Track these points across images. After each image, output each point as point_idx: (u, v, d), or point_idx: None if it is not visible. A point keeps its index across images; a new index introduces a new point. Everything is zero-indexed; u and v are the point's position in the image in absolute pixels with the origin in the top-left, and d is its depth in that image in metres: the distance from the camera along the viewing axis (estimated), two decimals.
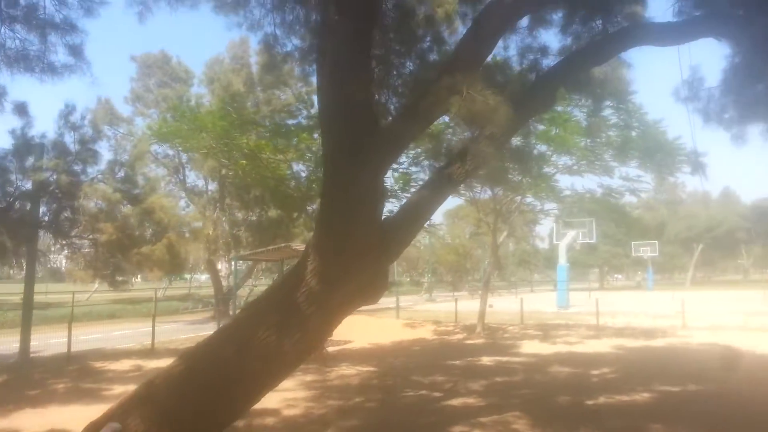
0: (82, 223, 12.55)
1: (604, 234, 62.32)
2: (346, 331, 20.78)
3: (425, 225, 20.55)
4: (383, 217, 6.31)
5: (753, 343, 15.29)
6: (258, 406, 5.84)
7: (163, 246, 16.59)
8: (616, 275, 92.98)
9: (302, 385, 11.24)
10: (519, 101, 6.70)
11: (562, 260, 32.36)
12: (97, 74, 8.40)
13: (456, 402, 9.41)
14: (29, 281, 14.71)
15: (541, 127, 16.94)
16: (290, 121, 20.54)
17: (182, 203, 29.56)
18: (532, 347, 16.41)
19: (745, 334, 17.47)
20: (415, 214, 6.26)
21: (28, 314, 14.96)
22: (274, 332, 5.23)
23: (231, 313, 21.86)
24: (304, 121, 18.55)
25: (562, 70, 5.61)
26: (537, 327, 21.20)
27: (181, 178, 28.47)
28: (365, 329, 21.33)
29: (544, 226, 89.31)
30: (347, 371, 13.11)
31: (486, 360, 14.13)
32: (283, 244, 15.32)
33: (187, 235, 22.65)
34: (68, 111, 12.61)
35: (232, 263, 18.21)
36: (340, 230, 5.55)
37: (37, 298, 16.42)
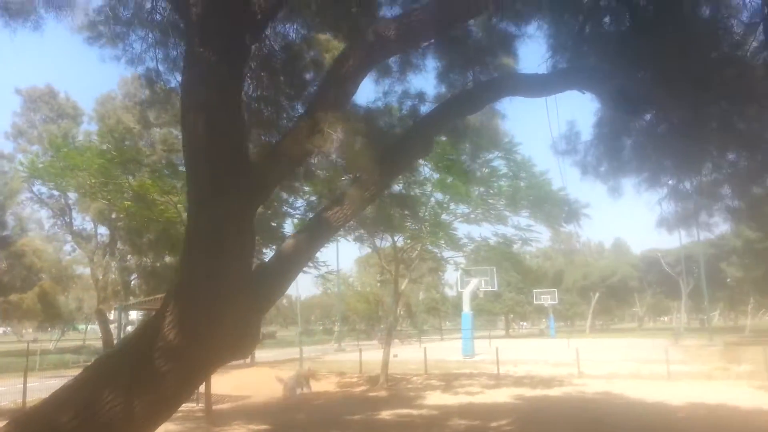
0: None
1: (507, 282, 64.32)
2: (245, 385, 19.74)
3: (310, 271, 20.02)
4: (256, 263, 5.92)
5: (644, 391, 15.85)
6: None
7: (35, 294, 14.93)
8: (521, 323, 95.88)
9: None
10: (397, 147, 6.64)
11: (466, 308, 32.78)
12: None
13: None
14: None
15: (435, 176, 17.28)
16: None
17: (68, 247, 27.52)
18: (433, 398, 16.16)
19: (636, 382, 18.15)
20: (292, 260, 5.90)
21: None
22: (122, 394, 4.61)
23: None
24: None
25: (439, 117, 5.58)
26: (440, 377, 21.06)
27: (67, 220, 26.47)
28: (265, 382, 20.35)
29: (452, 274, 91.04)
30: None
31: (385, 414, 13.66)
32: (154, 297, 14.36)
33: (70, 282, 20.81)
34: None
35: (120, 313, 16.85)
36: (205, 275, 5.09)
37: None
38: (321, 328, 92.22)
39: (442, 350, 31.64)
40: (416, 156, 6.77)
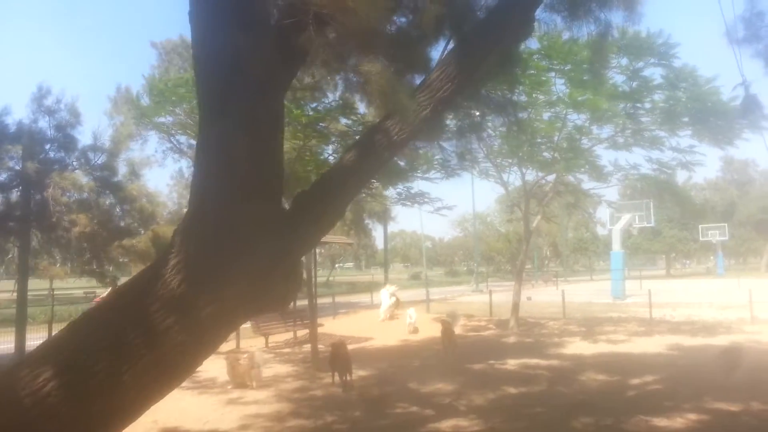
0: (53, 215, 11.47)
1: (669, 218, 58.23)
2: (369, 328, 19.31)
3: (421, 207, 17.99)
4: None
5: None
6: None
7: (148, 237, 15.41)
8: (684, 261, 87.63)
9: (275, 396, 9.79)
10: (484, 25, 4.94)
11: (616, 246, 29.70)
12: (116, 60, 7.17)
13: (445, 425, 7.64)
14: (23, 278, 13.86)
15: (562, 88, 14.81)
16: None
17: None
18: (569, 347, 14.36)
19: None
20: (340, 184, 4.61)
21: (23, 312, 14.17)
22: (106, 357, 3.67)
23: None
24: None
25: None
26: (582, 322, 19.02)
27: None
28: (389, 324, 19.79)
29: (605, 211, 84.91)
30: None
31: (511, 363, 12.21)
32: None
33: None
34: (41, 94, 11.56)
35: None
36: (219, 204, 3.97)
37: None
38: (465, 269, 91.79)
39: (590, 292, 29.08)
40: (511, 36, 5.03)
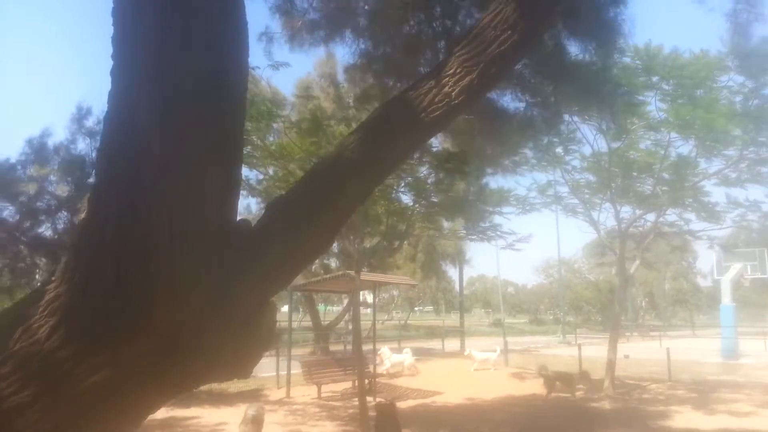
0: None
1: None
2: (438, 380, 17.26)
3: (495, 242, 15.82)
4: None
5: None
6: None
7: None
8: None
9: None
10: None
11: (726, 299, 26.01)
12: None
13: None
14: None
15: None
16: None
17: None
18: (679, 419, 11.72)
19: None
20: (335, 185, 2.98)
21: None
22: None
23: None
24: None
25: None
26: (690, 386, 16.05)
27: None
28: (463, 378, 17.65)
29: (705, 260, 78.00)
30: None
31: None
32: (340, 272, 12.40)
33: None
34: (81, 115, 10.94)
35: (290, 295, 15.63)
36: (131, 196, 2.41)
37: None
38: (551, 317, 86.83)
39: (694, 350, 25.43)
40: None
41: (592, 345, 33.25)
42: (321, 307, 65.72)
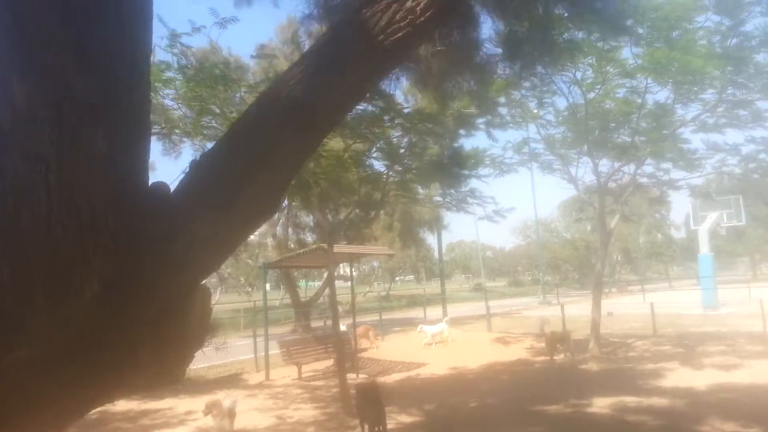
0: None
1: (753, 216, 52.88)
2: (421, 351, 16.87)
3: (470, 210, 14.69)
4: None
5: None
6: None
7: None
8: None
9: None
10: None
11: (705, 249, 26.05)
12: None
13: None
14: None
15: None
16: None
17: None
18: (670, 376, 11.43)
19: None
20: (269, 135, 2.30)
21: None
22: None
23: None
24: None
25: None
26: (676, 340, 15.89)
27: None
28: (447, 347, 17.29)
29: (677, 212, 79.02)
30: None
31: (600, 405, 9.46)
32: (315, 246, 11.73)
33: None
34: None
35: (264, 272, 14.94)
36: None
37: None
38: (529, 278, 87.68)
39: (673, 303, 25.49)
40: None
41: (572, 303, 33.39)
42: (302, 283, 65.11)
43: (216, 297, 60.24)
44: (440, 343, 17.67)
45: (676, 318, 20.51)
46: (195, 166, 2.34)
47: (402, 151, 11.73)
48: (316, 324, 27.14)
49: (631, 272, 71.58)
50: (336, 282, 15.97)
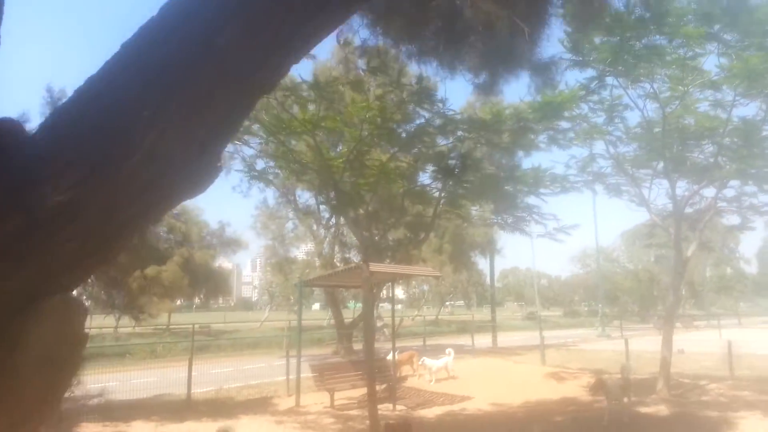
0: None
1: None
2: (471, 381, 15.56)
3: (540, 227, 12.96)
4: None
5: None
6: None
7: (176, 264, 12.78)
8: None
9: None
10: None
11: None
12: None
13: None
14: None
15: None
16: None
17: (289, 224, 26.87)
18: (749, 426, 9.84)
19: None
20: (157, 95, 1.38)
21: None
22: None
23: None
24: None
25: None
26: (757, 385, 14.03)
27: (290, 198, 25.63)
28: (496, 379, 15.90)
29: (749, 244, 73.99)
30: None
31: None
32: (353, 264, 10.80)
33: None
34: (55, 97, 9.64)
35: (299, 289, 14.08)
36: None
37: None
38: (586, 309, 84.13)
39: (746, 341, 23.04)
40: None
41: (634, 338, 31.12)
42: (351, 305, 64.24)
43: (265, 314, 60.24)
44: (445, 379, 16.03)
45: (753, 359, 18.41)
46: (78, 95, 1.44)
47: (452, 162, 10.65)
48: (359, 347, 26.16)
49: (695, 307, 67.37)
50: (383, 305, 14.97)
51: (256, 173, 14.61)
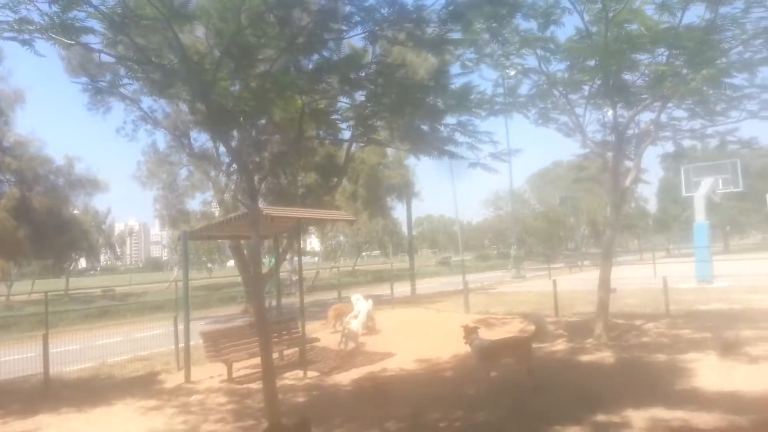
0: None
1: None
2: (394, 337, 13.91)
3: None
4: None
5: None
6: None
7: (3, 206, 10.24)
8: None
9: None
10: None
11: (701, 217, 23.78)
12: None
13: None
14: None
15: None
16: None
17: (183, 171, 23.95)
18: (708, 374, 8.70)
19: None
20: None
21: None
22: None
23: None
24: None
25: None
26: (691, 321, 13.29)
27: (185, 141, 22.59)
28: (419, 332, 14.33)
29: (653, 177, 76.93)
30: None
31: (636, 418, 6.69)
32: (245, 211, 8.47)
33: None
34: None
35: (184, 241, 11.67)
36: None
37: None
38: (495, 252, 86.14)
39: (660, 276, 22.95)
40: None
41: (541, 279, 31.00)
42: (266, 260, 60.87)
43: (174, 273, 56.10)
44: (365, 334, 14.27)
45: (674, 294, 18.02)
46: None
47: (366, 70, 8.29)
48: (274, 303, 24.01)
49: (595, 246, 70.13)
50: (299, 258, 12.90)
51: (106, 84, 11.09)
